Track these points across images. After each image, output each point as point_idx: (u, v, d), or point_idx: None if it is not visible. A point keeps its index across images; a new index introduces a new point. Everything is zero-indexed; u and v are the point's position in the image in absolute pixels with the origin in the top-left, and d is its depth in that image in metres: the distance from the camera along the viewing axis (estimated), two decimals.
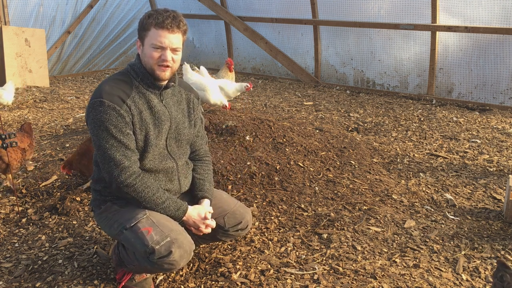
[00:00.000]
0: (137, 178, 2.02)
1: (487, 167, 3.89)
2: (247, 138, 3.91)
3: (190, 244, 2.04)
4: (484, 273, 2.46)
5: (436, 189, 3.49)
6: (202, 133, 2.44)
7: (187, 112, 2.28)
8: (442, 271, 2.47)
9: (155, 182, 2.14)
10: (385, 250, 2.66)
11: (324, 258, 2.57)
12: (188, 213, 2.13)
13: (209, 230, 2.21)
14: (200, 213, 2.16)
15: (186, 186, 2.32)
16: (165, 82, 2.13)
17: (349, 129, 4.95)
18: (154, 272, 2.22)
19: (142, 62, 2.08)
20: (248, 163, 3.57)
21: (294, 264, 2.52)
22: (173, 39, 2.02)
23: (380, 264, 2.51)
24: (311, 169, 3.66)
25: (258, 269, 2.46)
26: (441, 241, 2.77)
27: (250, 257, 2.57)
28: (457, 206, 3.22)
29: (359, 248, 2.67)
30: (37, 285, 2.35)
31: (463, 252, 2.65)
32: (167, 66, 2.05)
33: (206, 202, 2.27)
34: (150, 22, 2.00)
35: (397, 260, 2.56)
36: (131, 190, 2.01)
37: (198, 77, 4.33)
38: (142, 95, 2.09)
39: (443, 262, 2.55)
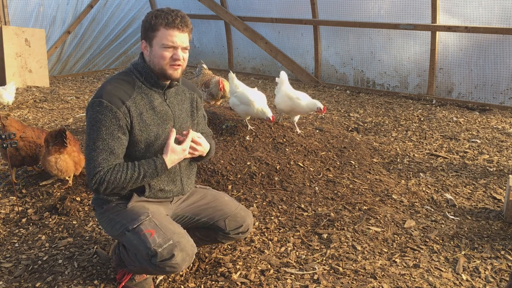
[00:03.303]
0: (107, 172, 1.99)
1: (487, 167, 3.89)
2: (247, 138, 3.91)
3: (193, 248, 2.03)
4: (484, 273, 2.46)
5: (436, 189, 3.49)
6: (206, 130, 2.44)
7: (190, 111, 2.28)
8: (442, 271, 2.47)
9: (157, 181, 2.14)
10: (385, 250, 2.66)
11: (324, 258, 2.57)
12: (167, 161, 2.05)
13: (200, 144, 2.14)
14: (176, 149, 2.06)
15: (189, 187, 2.32)
16: (169, 81, 2.13)
17: (349, 129, 4.95)
18: (155, 274, 2.22)
19: (148, 62, 2.08)
20: (248, 163, 3.57)
21: (294, 264, 2.52)
22: (184, 38, 2.04)
23: (380, 264, 2.51)
24: (311, 169, 3.66)
25: (258, 269, 2.46)
26: (441, 241, 2.77)
27: (250, 257, 2.57)
28: (457, 206, 3.22)
29: (359, 248, 2.67)
30: (37, 285, 2.35)
31: (463, 252, 2.65)
32: (179, 65, 2.06)
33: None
34: (159, 22, 1.99)
35: (397, 260, 2.56)
36: (105, 185, 1.98)
37: (243, 88, 4.06)
38: (145, 95, 2.09)
39: (443, 262, 2.55)
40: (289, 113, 4.14)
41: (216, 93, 4.74)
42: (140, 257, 2.02)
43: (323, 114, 3.94)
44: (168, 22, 1.98)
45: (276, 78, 4.35)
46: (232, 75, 4.21)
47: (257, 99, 3.86)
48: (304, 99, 4.01)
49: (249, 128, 3.99)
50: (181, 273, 2.42)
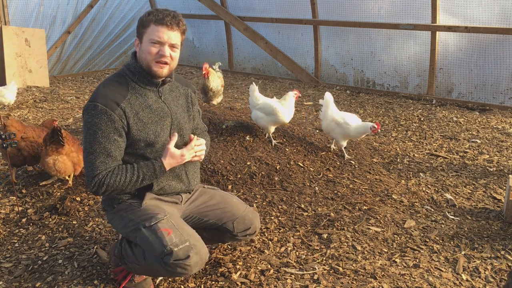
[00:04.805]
0: (106, 175, 2.01)
1: (487, 167, 3.89)
2: (247, 138, 3.91)
3: (206, 254, 2.06)
4: (484, 273, 2.46)
5: (436, 189, 3.49)
6: (201, 125, 2.48)
7: (186, 107, 2.30)
8: (442, 271, 2.47)
9: (162, 177, 2.16)
10: (385, 250, 2.66)
11: (324, 258, 2.57)
12: (166, 164, 2.09)
13: (201, 149, 2.20)
14: (175, 154, 2.10)
15: (195, 181, 2.34)
16: (160, 79, 2.15)
17: None
18: (159, 275, 2.22)
19: (139, 60, 2.11)
20: (248, 163, 3.57)
21: (294, 264, 2.52)
22: (172, 36, 2.06)
23: (380, 264, 2.51)
24: (311, 169, 3.66)
25: (258, 269, 2.46)
26: (441, 241, 2.77)
27: (250, 257, 2.57)
28: (457, 206, 3.22)
29: (359, 248, 2.67)
30: (37, 285, 2.35)
31: (463, 252, 2.65)
32: (165, 63, 2.07)
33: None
34: (150, 19, 2.04)
35: (397, 260, 2.56)
36: (104, 188, 2.00)
37: (264, 99, 3.93)
38: (139, 95, 2.11)
39: (443, 262, 2.55)
40: (342, 139, 3.85)
41: (204, 87, 4.37)
42: (150, 255, 2.02)
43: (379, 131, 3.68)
44: (158, 18, 2.03)
45: (320, 100, 4.11)
46: (253, 87, 4.01)
47: (279, 107, 3.77)
48: (353, 123, 3.75)
49: (273, 144, 3.85)
50: None
